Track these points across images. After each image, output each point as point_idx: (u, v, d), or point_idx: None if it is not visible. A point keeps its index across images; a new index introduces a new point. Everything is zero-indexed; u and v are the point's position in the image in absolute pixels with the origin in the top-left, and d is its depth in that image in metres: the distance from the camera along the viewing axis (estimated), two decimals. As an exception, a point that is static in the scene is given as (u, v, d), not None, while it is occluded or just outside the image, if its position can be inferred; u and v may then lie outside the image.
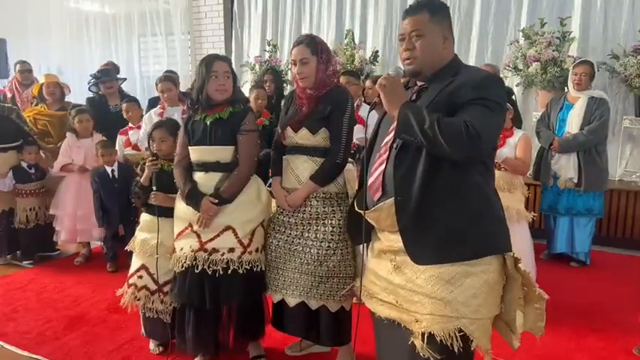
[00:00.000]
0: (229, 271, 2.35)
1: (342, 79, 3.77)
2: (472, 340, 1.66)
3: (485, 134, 1.57)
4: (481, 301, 1.66)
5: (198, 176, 2.43)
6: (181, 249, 2.43)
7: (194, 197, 2.36)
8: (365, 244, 1.96)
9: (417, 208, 1.65)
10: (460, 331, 1.64)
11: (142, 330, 2.80)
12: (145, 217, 2.69)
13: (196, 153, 2.43)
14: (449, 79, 1.69)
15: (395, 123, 1.67)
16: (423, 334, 1.66)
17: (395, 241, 1.75)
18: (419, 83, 1.80)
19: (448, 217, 1.65)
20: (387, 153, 1.75)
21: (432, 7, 1.71)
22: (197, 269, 2.36)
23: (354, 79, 4.01)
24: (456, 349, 1.63)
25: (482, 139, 1.56)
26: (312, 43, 2.31)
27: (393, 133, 1.72)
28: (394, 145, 1.72)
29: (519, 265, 1.70)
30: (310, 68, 2.29)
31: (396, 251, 1.76)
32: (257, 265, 2.41)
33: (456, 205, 1.66)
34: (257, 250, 2.43)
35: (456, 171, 1.64)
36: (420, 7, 1.71)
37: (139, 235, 2.69)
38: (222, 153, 2.39)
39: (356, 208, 1.94)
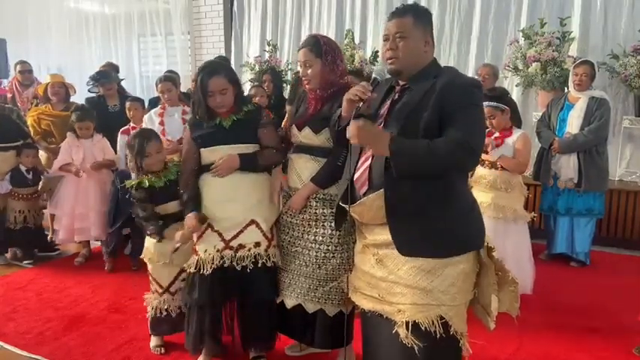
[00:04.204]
0: (259, 265, 2.36)
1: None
2: (451, 326, 1.77)
3: (477, 142, 1.72)
4: (457, 289, 1.78)
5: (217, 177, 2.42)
6: (205, 251, 2.40)
7: (187, 208, 2.43)
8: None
9: (405, 204, 1.74)
10: (441, 318, 1.75)
11: (156, 335, 2.80)
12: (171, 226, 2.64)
13: (217, 154, 2.41)
14: (431, 80, 1.78)
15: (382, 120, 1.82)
16: (406, 324, 1.76)
17: (378, 234, 1.85)
18: (401, 82, 1.89)
19: (436, 216, 1.75)
20: None
21: (416, 12, 1.83)
22: (225, 265, 2.37)
23: (356, 78, 3.99)
24: (438, 336, 1.74)
25: (475, 149, 1.69)
26: (316, 46, 2.28)
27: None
28: None
29: (493, 253, 1.84)
30: (314, 71, 2.28)
31: (379, 245, 1.85)
32: (279, 260, 2.43)
33: (443, 204, 1.76)
34: (276, 246, 2.46)
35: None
36: (406, 11, 1.83)
37: (165, 245, 2.61)
38: (244, 150, 2.41)
39: (341, 204, 2.00)
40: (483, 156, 3.30)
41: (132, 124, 4.15)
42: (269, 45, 6.45)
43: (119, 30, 7.63)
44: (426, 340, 1.74)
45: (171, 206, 2.64)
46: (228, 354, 2.63)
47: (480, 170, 3.31)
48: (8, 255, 4.24)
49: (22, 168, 4.14)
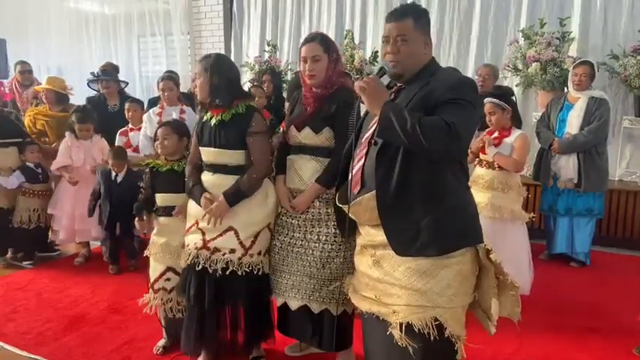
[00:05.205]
0: (228, 272, 2.35)
1: None
2: (446, 328, 1.74)
3: (464, 133, 1.66)
4: (454, 291, 1.76)
5: (207, 177, 2.44)
6: (188, 245, 2.46)
7: (194, 193, 2.43)
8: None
9: (396, 203, 1.74)
10: (435, 320, 1.74)
11: (165, 335, 2.79)
12: (163, 220, 2.68)
13: (205, 155, 2.44)
14: (426, 79, 1.77)
15: (376, 120, 1.72)
16: (400, 325, 1.75)
17: (375, 235, 1.84)
18: (398, 84, 1.88)
19: (425, 214, 1.73)
20: (366, 148, 1.83)
21: (416, 13, 1.81)
22: (198, 267, 2.37)
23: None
24: (431, 338, 1.72)
25: (461, 138, 1.64)
26: (324, 41, 2.28)
27: (372, 129, 1.80)
28: (373, 141, 1.80)
29: (491, 255, 1.80)
30: (321, 66, 2.26)
31: (376, 246, 1.85)
32: (258, 269, 2.40)
33: (432, 202, 1.74)
34: (259, 253, 2.42)
35: (431, 170, 1.73)
36: (406, 13, 1.80)
37: (158, 239, 2.68)
38: (230, 157, 2.38)
39: (337, 203, 2.00)
40: (481, 155, 3.30)
41: (130, 126, 4.15)
42: (269, 45, 6.46)
43: (119, 30, 7.62)
44: (420, 342, 1.73)
45: (162, 198, 2.66)
46: (229, 354, 2.62)
47: (478, 170, 3.31)
48: (8, 255, 4.23)
49: (30, 164, 4.10)
